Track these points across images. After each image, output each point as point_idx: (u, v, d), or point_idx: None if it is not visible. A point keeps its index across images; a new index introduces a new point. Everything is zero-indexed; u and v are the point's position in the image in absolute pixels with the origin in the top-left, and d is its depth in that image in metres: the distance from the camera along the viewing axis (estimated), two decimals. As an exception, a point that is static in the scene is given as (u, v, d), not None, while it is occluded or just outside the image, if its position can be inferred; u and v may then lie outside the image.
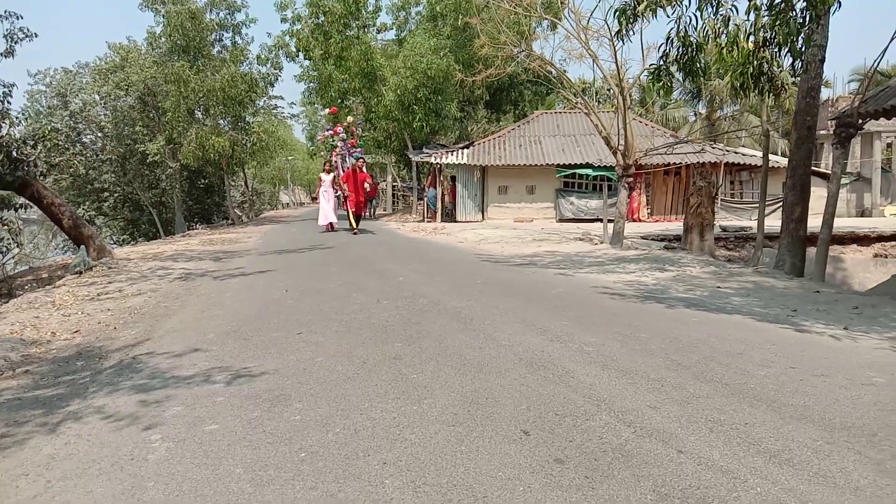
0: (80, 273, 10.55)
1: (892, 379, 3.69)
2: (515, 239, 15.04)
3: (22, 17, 11.63)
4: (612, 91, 15.81)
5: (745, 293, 7.04)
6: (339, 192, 18.58)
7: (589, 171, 22.79)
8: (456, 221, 23.73)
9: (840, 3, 7.16)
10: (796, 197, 9.83)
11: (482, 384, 3.67)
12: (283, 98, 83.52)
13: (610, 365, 3.98)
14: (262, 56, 26.30)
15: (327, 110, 23.15)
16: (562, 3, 15.60)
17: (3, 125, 11.19)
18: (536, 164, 23.35)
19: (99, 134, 26.16)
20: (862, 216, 23.39)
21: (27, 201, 11.80)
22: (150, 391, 3.82)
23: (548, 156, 23.76)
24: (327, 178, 18.92)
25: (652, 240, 15.96)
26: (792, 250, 9.78)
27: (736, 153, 24.07)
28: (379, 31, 29.99)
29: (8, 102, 11.57)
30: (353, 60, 25.96)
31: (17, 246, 13.05)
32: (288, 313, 6.00)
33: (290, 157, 49.45)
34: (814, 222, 10.39)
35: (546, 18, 16.59)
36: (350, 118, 21.46)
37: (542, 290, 7.18)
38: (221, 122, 25.99)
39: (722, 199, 23.30)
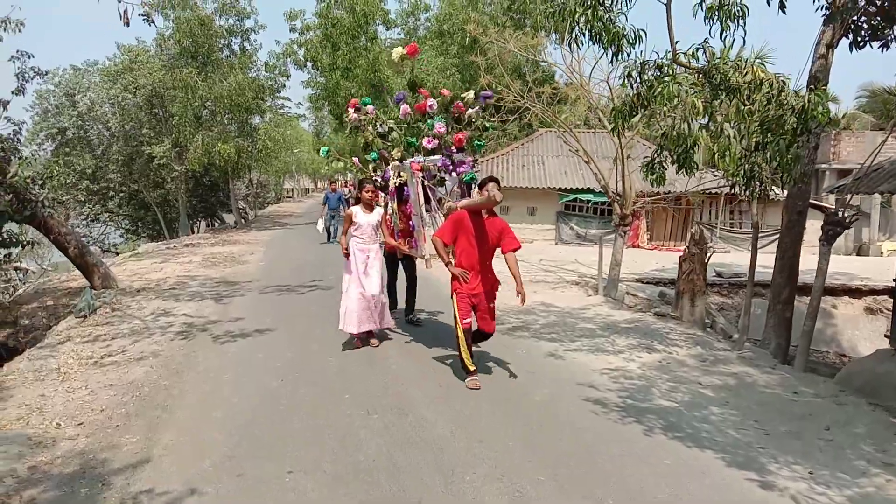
0: (85, 317, 10.87)
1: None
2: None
3: (33, 56, 11.88)
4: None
5: (724, 401, 7.28)
6: (419, 257, 8.79)
7: (591, 197, 22.99)
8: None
9: (830, 119, 7.35)
10: (784, 279, 10.07)
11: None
12: (289, 99, 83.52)
13: (577, 545, 4.23)
14: (270, 63, 26.36)
15: (400, 48, 9.61)
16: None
17: (13, 164, 11.43)
18: (538, 188, 23.54)
19: (105, 133, 26.31)
20: (859, 252, 23.58)
21: (34, 239, 12.18)
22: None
23: (550, 178, 23.94)
24: (366, 218, 8.27)
25: (647, 283, 16.22)
26: (778, 331, 10.05)
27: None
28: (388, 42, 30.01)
29: (18, 140, 11.82)
30: (360, 69, 26.10)
31: (23, 284, 13.51)
32: (280, 427, 6.28)
33: (295, 150, 49.49)
34: (806, 272, 10.60)
35: (545, 61, 16.68)
36: (468, 94, 9.55)
37: (525, 395, 7.44)
38: (228, 127, 26.14)
39: (721, 230, 23.51)
